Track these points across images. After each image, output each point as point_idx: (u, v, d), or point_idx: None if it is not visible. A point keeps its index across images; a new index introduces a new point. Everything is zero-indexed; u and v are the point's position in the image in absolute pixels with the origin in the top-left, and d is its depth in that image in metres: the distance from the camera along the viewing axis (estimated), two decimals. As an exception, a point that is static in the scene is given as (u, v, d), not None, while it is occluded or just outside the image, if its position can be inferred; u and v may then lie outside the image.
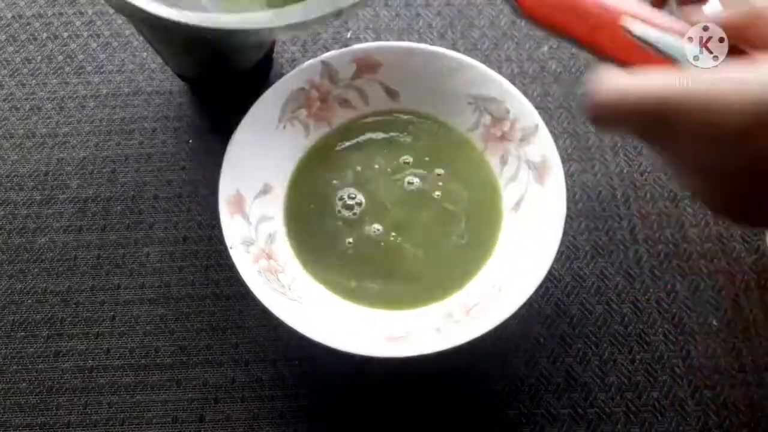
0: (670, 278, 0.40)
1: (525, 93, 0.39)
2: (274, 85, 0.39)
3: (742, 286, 0.40)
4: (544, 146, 0.37)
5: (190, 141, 0.45)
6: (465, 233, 0.39)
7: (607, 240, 0.41)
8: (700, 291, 0.40)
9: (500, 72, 0.40)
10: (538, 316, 0.39)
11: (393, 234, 0.39)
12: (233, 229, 0.36)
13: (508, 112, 0.39)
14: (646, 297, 0.39)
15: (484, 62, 0.40)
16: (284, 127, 0.40)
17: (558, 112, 0.45)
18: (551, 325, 0.39)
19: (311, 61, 0.40)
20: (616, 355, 0.38)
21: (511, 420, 0.36)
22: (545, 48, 0.48)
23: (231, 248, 0.35)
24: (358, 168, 0.40)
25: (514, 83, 0.39)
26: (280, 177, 0.40)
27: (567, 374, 0.37)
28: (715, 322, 0.39)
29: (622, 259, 0.41)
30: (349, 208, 0.39)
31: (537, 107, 0.38)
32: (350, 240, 0.38)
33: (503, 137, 0.39)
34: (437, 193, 0.40)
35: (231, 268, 0.40)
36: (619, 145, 0.44)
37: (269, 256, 0.37)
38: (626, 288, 0.40)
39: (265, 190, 0.39)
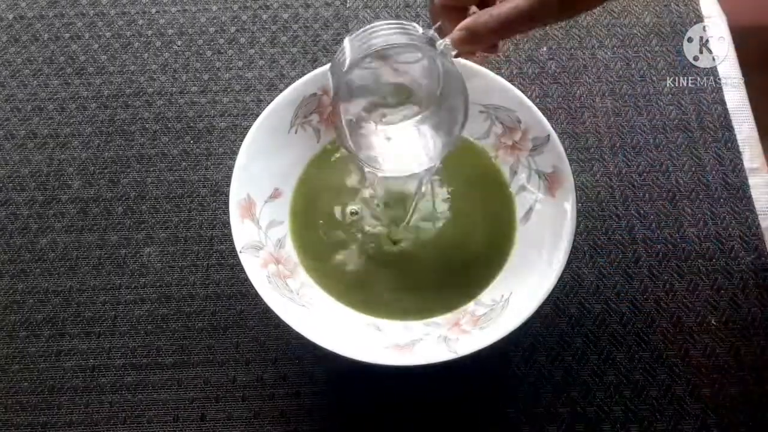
0: (669, 277, 0.40)
1: (524, 93, 0.39)
2: (286, 90, 0.39)
3: (740, 285, 0.40)
4: (555, 157, 0.37)
5: (191, 142, 0.45)
6: (476, 244, 0.38)
7: (605, 240, 0.41)
8: (698, 290, 0.40)
9: (499, 73, 0.40)
10: (538, 315, 0.39)
11: (402, 243, 0.38)
12: (243, 234, 0.35)
13: (519, 121, 0.39)
14: (645, 296, 0.40)
15: (482, 63, 0.40)
16: (296, 131, 0.40)
17: (557, 113, 0.46)
18: (550, 324, 0.39)
19: (324, 67, 0.40)
20: (615, 354, 0.38)
21: (511, 419, 0.37)
22: (544, 49, 0.48)
23: (240, 252, 0.35)
24: (369, 175, 0.40)
25: (513, 84, 0.39)
26: (290, 182, 0.40)
27: (566, 373, 0.38)
28: (713, 321, 0.39)
29: (621, 259, 0.41)
30: (357, 216, 0.39)
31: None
32: (357, 248, 0.38)
33: (514, 147, 0.39)
34: (448, 201, 0.39)
35: (231, 268, 0.41)
36: (618, 145, 0.44)
37: (278, 261, 0.37)
38: (625, 287, 0.40)
39: (276, 195, 0.39)
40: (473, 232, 0.39)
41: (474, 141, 0.41)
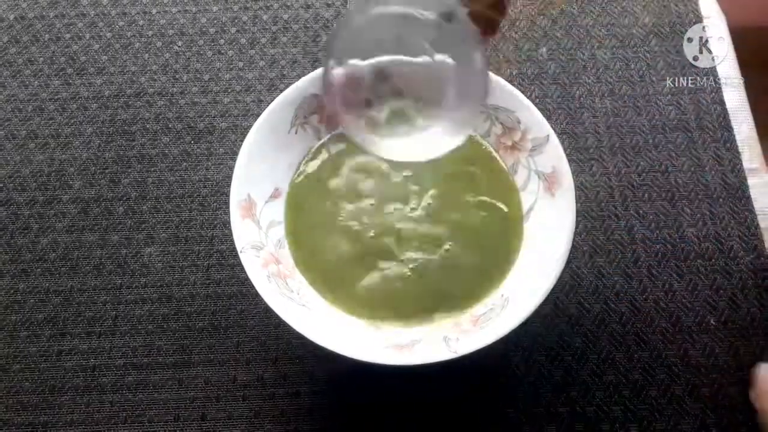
0: (668, 277, 0.40)
1: (523, 94, 0.39)
2: (286, 90, 0.39)
3: (739, 285, 0.40)
4: (554, 157, 0.37)
5: (192, 143, 0.45)
6: (479, 247, 0.38)
7: (605, 240, 0.42)
8: (697, 290, 0.40)
9: (499, 73, 0.40)
10: (537, 315, 0.39)
11: (402, 247, 0.38)
12: (243, 234, 0.35)
13: (518, 122, 0.39)
14: (644, 296, 0.40)
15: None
16: (296, 132, 0.40)
17: (557, 113, 0.46)
18: (550, 324, 0.39)
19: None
20: (614, 354, 0.38)
21: (511, 418, 0.37)
22: (543, 49, 0.48)
23: (241, 252, 0.35)
24: (368, 175, 0.40)
25: (513, 84, 0.39)
26: (290, 181, 0.40)
27: (565, 372, 0.38)
28: (712, 321, 0.39)
29: (620, 259, 0.41)
30: (357, 218, 0.39)
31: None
32: (356, 252, 0.38)
33: (514, 147, 0.39)
34: (449, 203, 0.39)
35: (232, 268, 0.41)
36: (617, 145, 0.45)
37: (278, 261, 0.37)
38: (624, 287, 0.40)
39: (276, 195, 0.39)
40: (476, 234, 0.38)
41: (478, 140, 0.41)
